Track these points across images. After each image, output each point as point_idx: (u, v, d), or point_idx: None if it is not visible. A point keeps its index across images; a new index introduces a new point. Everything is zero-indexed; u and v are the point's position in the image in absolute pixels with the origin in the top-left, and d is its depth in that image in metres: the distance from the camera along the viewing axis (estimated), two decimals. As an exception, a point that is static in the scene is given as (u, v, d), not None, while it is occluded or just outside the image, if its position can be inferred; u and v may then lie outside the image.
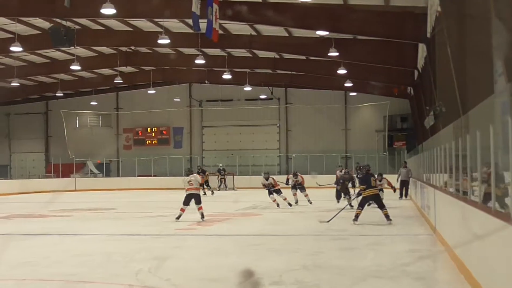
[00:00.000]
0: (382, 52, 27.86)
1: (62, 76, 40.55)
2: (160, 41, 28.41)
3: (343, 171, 24.17)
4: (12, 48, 28.90)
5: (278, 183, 22.00)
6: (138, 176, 41.94)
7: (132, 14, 25.50)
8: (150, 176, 40.48)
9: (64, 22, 27.32)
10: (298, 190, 22.75)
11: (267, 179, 21.87)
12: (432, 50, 20.73)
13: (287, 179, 23.88)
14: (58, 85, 42.24)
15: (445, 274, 8.91)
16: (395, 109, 40.57)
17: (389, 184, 22.26)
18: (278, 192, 21.64)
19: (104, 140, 46.46)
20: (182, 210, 16.43)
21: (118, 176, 44.84)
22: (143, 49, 34.55)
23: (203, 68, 36.82)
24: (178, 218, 16.86)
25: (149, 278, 8.78)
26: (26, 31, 29.16)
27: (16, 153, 47.71)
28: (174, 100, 45.06)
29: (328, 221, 15.96)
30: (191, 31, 26.12)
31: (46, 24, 27.70)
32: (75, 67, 35.06)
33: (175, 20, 26.52)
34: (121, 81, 40.66)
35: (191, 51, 32.89)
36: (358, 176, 20.64)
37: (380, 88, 38.02)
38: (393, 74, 32.58)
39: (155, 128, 46.09)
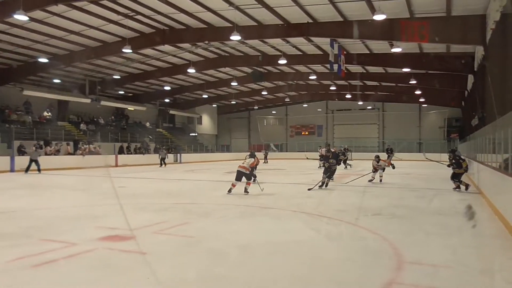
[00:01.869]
0: (444, 80, 25.67)
1: (257, 97, 41.56)
2: (310, 77, 28.53)
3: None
4: (232, 84, 30.56)
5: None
6: (298, 151, 42.32)
7: (296, 63, 25.69)
8: (304, 151, 40.51)
9: (258, 68, 28.32)
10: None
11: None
12: (478, 79, 18.90)
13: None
14: (255, 102, 43.77)
15: (483, 213, 8.20)
16: (452, 114, 37.16)
17: (388, 163, 16.34)
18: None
19: (279, 132, 47.20)
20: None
21: (287, 151, 45.53)
22: (301, 82, 34.64)
23: (334, 92, 36.24)
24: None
25: (304, 208, 8.86)
26: (239, 74, 30.52)
27: (233, 138, 49.96)
28: (317, 110, 44.67)
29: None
30: (328, 71, 25.88)
31: (248, 70, 28.84)
32: (264, 92, 36.32)
33: (319, 65, 26.37)
34: (288, 100, 41.47)
35: (328, 82, 32.46)
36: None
37: (443, 101, 35.18)
38: (451, 93, 30.05)
39: (307, 125, 46.11)
